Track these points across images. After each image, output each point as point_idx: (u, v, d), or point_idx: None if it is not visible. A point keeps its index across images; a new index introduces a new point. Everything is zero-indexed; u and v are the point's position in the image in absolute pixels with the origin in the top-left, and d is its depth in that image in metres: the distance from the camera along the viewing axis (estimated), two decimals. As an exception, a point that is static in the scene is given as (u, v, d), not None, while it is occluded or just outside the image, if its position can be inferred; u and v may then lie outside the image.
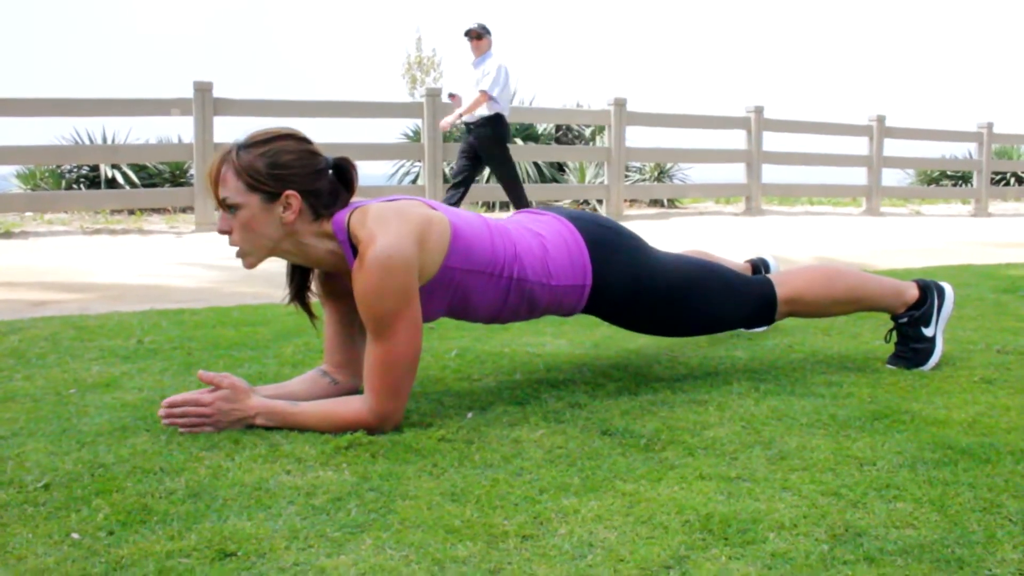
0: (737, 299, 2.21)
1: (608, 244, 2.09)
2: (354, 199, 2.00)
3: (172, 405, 1.78)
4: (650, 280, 2.11)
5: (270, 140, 1.83)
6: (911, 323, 2.31)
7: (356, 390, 2.02)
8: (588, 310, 2.13)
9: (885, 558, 1.24)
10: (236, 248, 1.88)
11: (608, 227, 2.14)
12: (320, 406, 1.83)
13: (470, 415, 1.92)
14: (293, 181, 1.82)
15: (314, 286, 2.04)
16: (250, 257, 1.89)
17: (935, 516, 1.38)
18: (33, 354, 2.52)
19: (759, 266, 2.74)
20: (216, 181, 1.84)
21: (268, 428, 1.80)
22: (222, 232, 1.87)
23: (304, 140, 1.87)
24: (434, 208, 1.92)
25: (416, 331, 1.81)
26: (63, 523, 1.35)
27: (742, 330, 2.84)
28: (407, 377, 1.81)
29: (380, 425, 1.79)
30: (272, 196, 1.81)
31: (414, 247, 1.79)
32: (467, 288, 1.93)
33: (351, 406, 1.81)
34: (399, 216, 1.82)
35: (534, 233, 2.05)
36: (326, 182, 1.87)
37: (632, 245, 2.14)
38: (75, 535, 1.31)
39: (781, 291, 2.22)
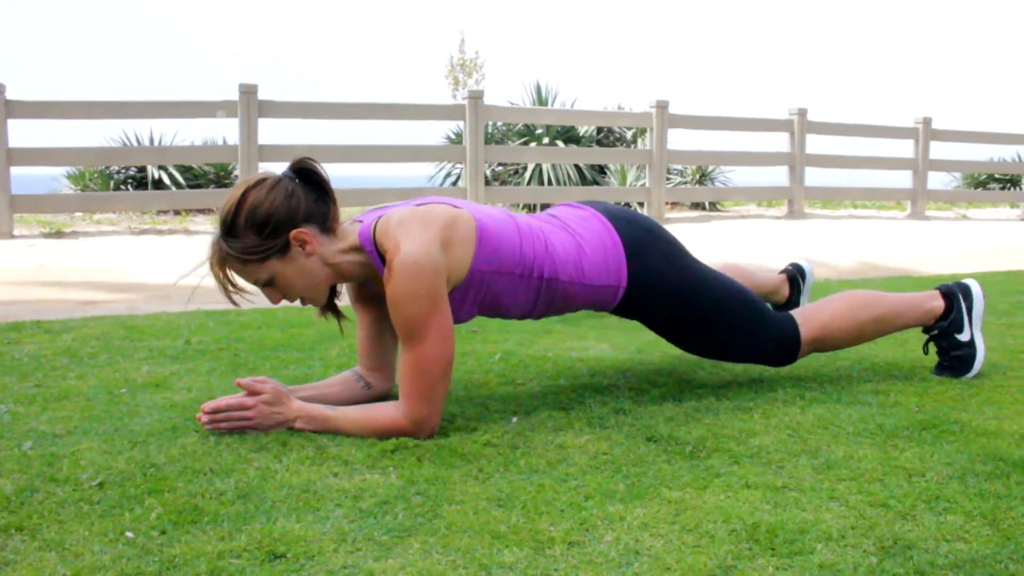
0: (760, 330, 2.15)
1: (645, 246, 2.06)
2: (384, 205, 2.00)
3: (215, 411, 1.81)
4: (684, 287, 2.07)
5: (237, 210, 1.80)
6: (943, 335, 2.28)
7: (389, 393, 2.03)
8: (620, 308, 2.10)
9: (936, 572, 1.23)
10: (301, 303, 1.92)
11: (647, 228, 2.11)
12: (357, 411, 1.85)
13: (515, 420, 1.93)
14: (285, 223, 1.80)
15: (344, 291, 2.06)
16: (317, 301, 1.92)
17: (987, 530, 1.36)
18: (85, 353, 2.57)
19: (795, 275, 2.68)
20: (228, 282, 1.84)
21: (307, 431, 1.82)
22: (276, 303, 1.90)
23: (257, 181, 1.82)
24: (459, 207, 1.91)
25: (448, 335, 1.81)
26: (117, 521, 1.38)
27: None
28: (441, 382, 1.81)
29: (415, 430, 1.80)
30: (283, 248, 1.81)
31: (439, 250, 1.79)
32: (496, 289, 1.93)
33: (387, 412, 1.83)
34: (422, 221, 1.82)
35: (571, 231, 2.04)
36: (305, 196, 1.83)
37: (670, 251, 2.10)
38: (129, 534, 1.33)
39: (805, 331, 2.17)
